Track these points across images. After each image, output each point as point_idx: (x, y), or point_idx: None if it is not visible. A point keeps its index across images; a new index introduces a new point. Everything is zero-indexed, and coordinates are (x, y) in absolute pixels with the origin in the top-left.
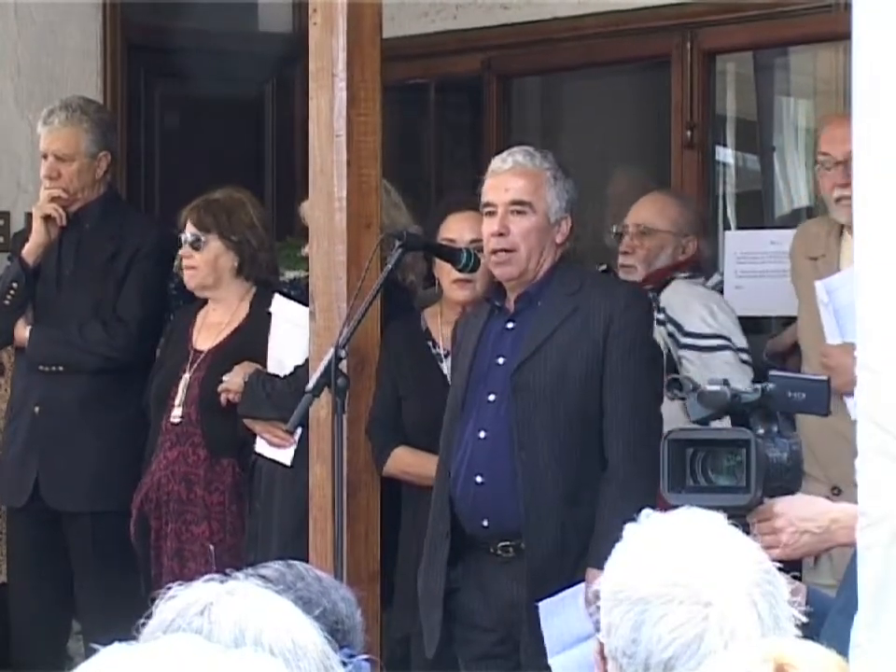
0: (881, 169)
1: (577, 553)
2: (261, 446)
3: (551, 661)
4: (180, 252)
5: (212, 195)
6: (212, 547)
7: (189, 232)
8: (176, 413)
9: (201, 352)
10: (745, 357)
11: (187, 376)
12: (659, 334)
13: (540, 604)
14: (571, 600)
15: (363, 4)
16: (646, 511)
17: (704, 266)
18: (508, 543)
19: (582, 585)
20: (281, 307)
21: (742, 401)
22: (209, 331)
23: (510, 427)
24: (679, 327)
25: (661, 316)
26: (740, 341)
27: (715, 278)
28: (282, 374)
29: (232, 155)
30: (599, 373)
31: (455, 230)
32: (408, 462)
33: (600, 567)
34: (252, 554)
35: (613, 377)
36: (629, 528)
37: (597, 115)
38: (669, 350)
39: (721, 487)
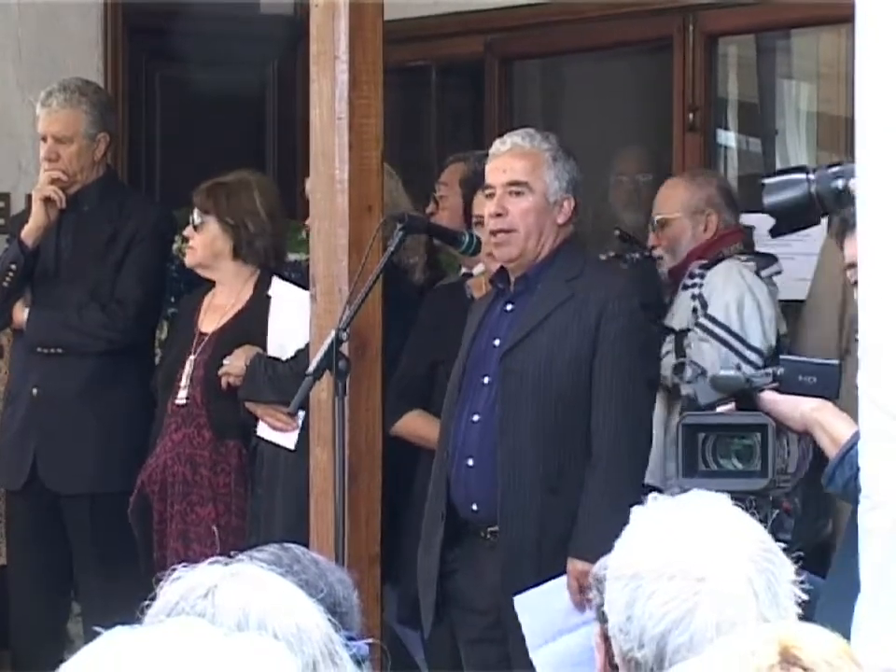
0: (884, 155)
1: (557, 540)
2: (263, 430)
3: (532, 655)
4: (184, 232)
5: (222, 178)
6: (216, 528)
7: (194, 213)
8: (182, 395)
9: (205, 334)
10: (753, 357)
11: (192, 358)
12: (687, 306)
13: (517, 598)
14: (553, 592)
15: None
16: (653, 494)
17: (750, 241)
18: (496, 528)
19: (564, 578)
20: (279, 290)
21: (753, 386)
22: (214, 314)
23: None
24: (704, 305)
25: (695, 291)
26: (757, 340)
27: (773, 268)
28: (283, 358)
29: (233, 138)
30: (589, 360)
31: None
32: (421, 425)
33: (581, 556)
34: (254, 538)
35: (602, 364)
36: (635, 511)
37: (599, 98)
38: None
39: (734, 471)
